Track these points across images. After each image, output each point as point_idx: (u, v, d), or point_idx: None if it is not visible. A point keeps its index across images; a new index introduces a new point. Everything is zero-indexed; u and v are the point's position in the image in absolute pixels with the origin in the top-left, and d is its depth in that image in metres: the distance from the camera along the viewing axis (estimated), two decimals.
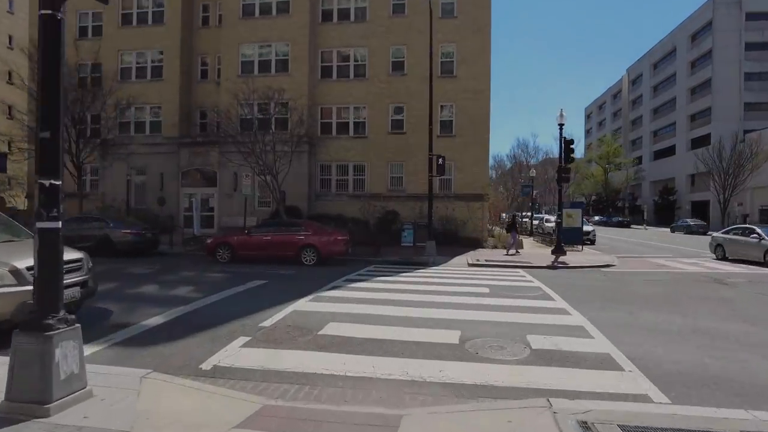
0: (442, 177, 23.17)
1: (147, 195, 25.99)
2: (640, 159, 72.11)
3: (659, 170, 66.54)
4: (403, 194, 23.81)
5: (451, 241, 21.81)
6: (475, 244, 21.73)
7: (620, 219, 59.28)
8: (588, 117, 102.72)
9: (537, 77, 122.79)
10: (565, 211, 22.74)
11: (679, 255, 21.15)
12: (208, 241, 15.38)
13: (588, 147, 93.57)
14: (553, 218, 38.98)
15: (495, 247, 21.64)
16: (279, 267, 13.96)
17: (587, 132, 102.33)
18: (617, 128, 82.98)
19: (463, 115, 23.41)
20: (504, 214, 33.63)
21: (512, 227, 20.41)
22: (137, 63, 26.38)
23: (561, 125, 19.34)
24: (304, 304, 8.45)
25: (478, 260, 16.55)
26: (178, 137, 25.45)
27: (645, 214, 60.30)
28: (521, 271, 14.43)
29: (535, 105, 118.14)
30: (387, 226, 21.79)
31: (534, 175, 34.80)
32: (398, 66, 24.19)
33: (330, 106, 24.72)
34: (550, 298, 9.69)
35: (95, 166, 26.85)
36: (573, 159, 19.02)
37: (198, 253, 16.91)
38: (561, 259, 17.81)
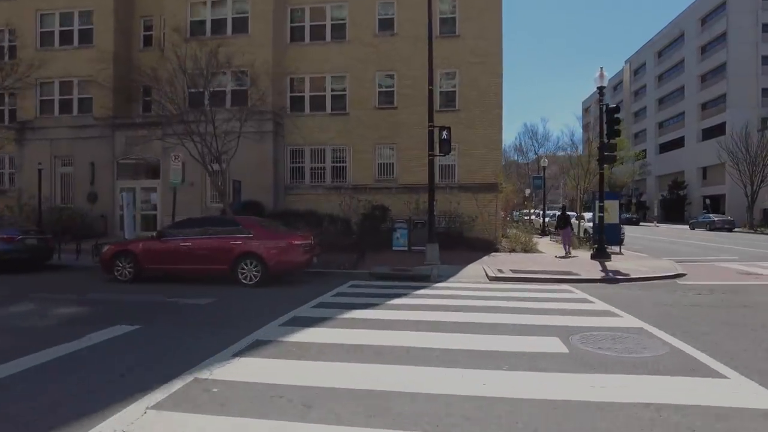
0: (444, 163, 18.40)
1: (75, 190, 20.85)
2: (644, 152, 68.03)
3: (666, 164, 62.49)
4: (395, 185, 18.97)
5: (455, 243, 17.01)
6: (487, 247, 16.95)
7: (628, 216, 54.97)
8: (586, 111, 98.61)
9: (528, 72, 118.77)
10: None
11: (748, 258, 16.54)
12: (105, 249, 10.32)
13: (587, 142, 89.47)
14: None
15: (513, 250, 16.83)
16: (200, 289, 9.05)
17: (585, 127, 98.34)
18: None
19: (469, 84, 18.63)
20: (516, 212, 28.94)
21: (566, 222, 15.99)
22: (61, 26, 21.20)
23: (600, 89, 14.62)
24: (168, 403, 3.56)
25: (500, 271, 11.75)
26: (111, 118, 20.32)
27: (656, 210, 56.17)
28: (575, 290, 9.63)
29: (527, 107, 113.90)
30: (374, 225, 16.93)
31: (546, 165, 30.23)
32: (386, 24, 19.33)
33: (302, 75, 19.80)
34: (684, 353, 4.90)
35: (13, 156, 21.71)
36: (619, 132, 14.34)
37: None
38: (609, 266, 13.08)
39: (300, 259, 9.62)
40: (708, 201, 51.86)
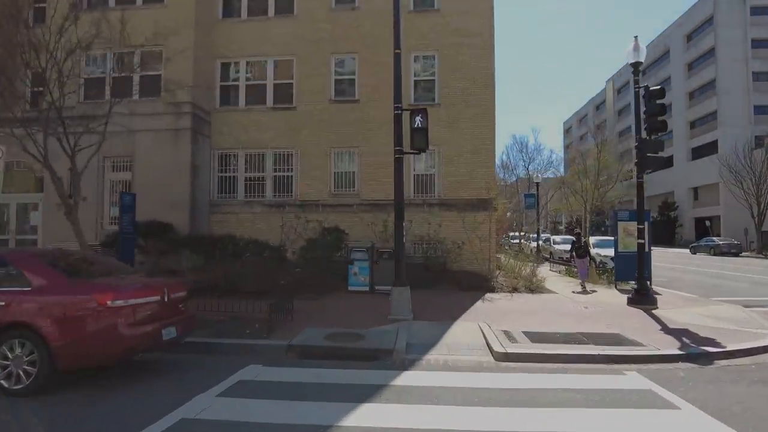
0: (421, 173, 14.05)
1: None
2: (631, 172, 65.43)
3: (654, 184, 59.67)
4: (356, 201, 14.39)
5: (436, 279, 12.45)
6: (479, 284, 12.41)
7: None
8: (567, 132, 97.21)
9: (511, 90, 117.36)
10: (621, 225, 13.89)
11: None
12: None
13: (571, 161, 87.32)
14: (559, 239, 30.26)
15: (514, 289, 12.29)
16: None
17: (567, 148, 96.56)
18: (602, 141, 76.79)
19: (452, 71, 14.38)
20: (503, 236, 24.57)
21: (585, 251, 12.05)
22: None
23: (636, 65, 10.47)
24: None
25: (509, 336, 7.14)
26: None
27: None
28: (655, 386, 5.06)
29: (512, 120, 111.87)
30: (325, 254, 12.19)
31: (539, 181, 26.25)
32: None
33: (236, 59, 15.27)
34: None
35: None
36: (665, 126, 10.17)
37: None
38: (663, 317, 8.66)
39: (131, 336, 4.79)
40: (709, 223, 48.83)
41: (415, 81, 14.51)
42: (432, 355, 6.34)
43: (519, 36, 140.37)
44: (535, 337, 7.15)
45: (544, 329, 7.72)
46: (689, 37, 54.01)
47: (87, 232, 13.52)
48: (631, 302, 10.21)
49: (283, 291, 10.47)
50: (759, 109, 47.06)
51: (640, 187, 10.63)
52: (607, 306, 10.29)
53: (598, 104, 79.96)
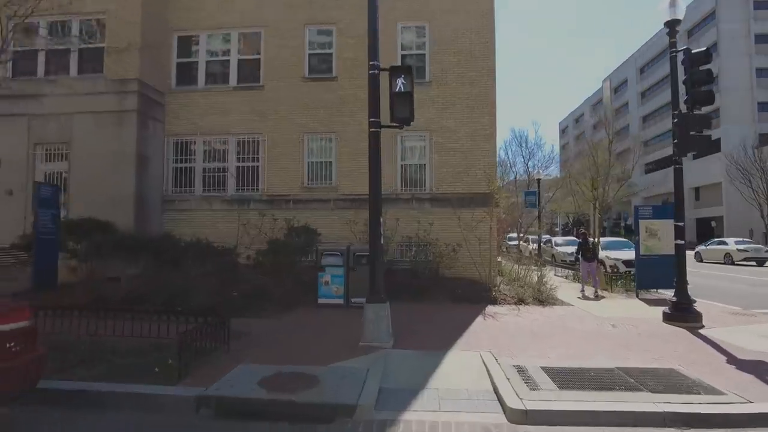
0: (409, 162, 12.02)
1: None
2: (630, 172, 63.78)
3: (653, 184, 58.17)
4: (333, 196, 12.28)
5: (426, 289, 10.35)
6: (478, 295, 10.32)
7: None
8: (563, 132, 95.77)
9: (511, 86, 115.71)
10: (643, 223, 11.90)
11: None
12: None
13: (565, 163, 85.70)
14: (561, 240, 28.27)
15: (521, 300, 10.21)
16: None
17: (563, 148, 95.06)
18: (598, 141, 75.28)
19: (445, 45, 12.32)
20: (510, 236, 22.50)
21: (593, 254, 10.33)
22: None
23: (673, 24, 8.44)
24: None
25: (524, 374, 5.05)
26: None
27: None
28: None
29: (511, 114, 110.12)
30: (291, 259, 10.05)
31: (540, 178, 24.34)
32: None
33: (195, 32, 13.13)
34: None
35: None
36: (712, 98, 8.17)
37: None
38: (717, 340, 6.63)
39: None
40: (714, 224, 47.12)
41: (403, 56, 12.42)
42: (414, 413, 4.23)
43: (518, 36, 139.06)
44: (560, 377, 5.07)
45: (570, 362, 5.64)
46: (690, 33, 52.44)
47: (12, 231, 11.39)
48: (670, 318, 8.16)
49: (236, 305, 8.37)
50: (763, 106, 45.52)
51: (678, 173, 8.59)
52: (638, 323, 8.23)
53: (595, 103, 78.44)
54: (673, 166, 8.62)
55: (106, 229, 11.06)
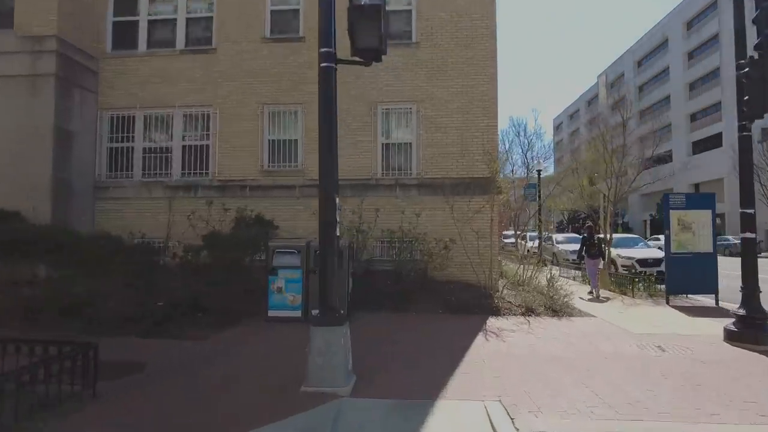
0: (393, 140, 9.92)
1: None
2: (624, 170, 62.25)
3: (652, 181, 56.59)
4: (300, 181, 10.12)
5: (412, 292, 8.23)
6: (476, 301, 8.23)
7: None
8: (557, 129, 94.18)
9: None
10: (675, 214, 9.86)
11: None
12: None
13: (559, 161, 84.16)
14: (562, 237, 26.27)
15: (529, 310, 8.11)
16: None
17: (557, 144, 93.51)
18: (594, 137, 73.72)
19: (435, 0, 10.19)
20: (511, 232, 20.40)
21: (597, 249, 8.28)
22: None
23: None
24: None
25: None
26: None
27: (648, 231, 49.89)
28: None
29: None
30: (233, 255, 7.87)
31: (542, 168, 22.39)
32: None
33: None
34: None
35: None
36: None
37: None
38: None
39: None
40: (719, 221, 45.52)
41: (387, 10, 10.25)
42: None
43: (517, 34, 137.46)
44: None
45: (626, 424, 3.53)
46: (689, 25, 50.86)
47: None
48: (735, 338, 6.07)
49: (156, 318, 6.22)
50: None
51: (745, 143, 6.50)
52: (691, 344, 6.16)
53: (590, 99, 76.88)
54: (738, 134, 6.52)
55: (10, 221, 8.82)
